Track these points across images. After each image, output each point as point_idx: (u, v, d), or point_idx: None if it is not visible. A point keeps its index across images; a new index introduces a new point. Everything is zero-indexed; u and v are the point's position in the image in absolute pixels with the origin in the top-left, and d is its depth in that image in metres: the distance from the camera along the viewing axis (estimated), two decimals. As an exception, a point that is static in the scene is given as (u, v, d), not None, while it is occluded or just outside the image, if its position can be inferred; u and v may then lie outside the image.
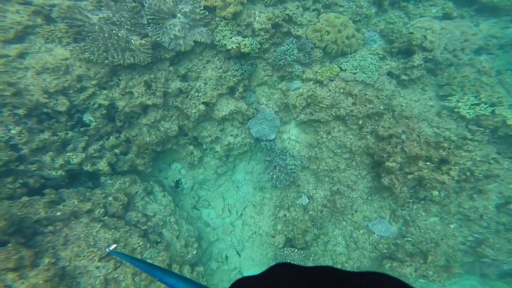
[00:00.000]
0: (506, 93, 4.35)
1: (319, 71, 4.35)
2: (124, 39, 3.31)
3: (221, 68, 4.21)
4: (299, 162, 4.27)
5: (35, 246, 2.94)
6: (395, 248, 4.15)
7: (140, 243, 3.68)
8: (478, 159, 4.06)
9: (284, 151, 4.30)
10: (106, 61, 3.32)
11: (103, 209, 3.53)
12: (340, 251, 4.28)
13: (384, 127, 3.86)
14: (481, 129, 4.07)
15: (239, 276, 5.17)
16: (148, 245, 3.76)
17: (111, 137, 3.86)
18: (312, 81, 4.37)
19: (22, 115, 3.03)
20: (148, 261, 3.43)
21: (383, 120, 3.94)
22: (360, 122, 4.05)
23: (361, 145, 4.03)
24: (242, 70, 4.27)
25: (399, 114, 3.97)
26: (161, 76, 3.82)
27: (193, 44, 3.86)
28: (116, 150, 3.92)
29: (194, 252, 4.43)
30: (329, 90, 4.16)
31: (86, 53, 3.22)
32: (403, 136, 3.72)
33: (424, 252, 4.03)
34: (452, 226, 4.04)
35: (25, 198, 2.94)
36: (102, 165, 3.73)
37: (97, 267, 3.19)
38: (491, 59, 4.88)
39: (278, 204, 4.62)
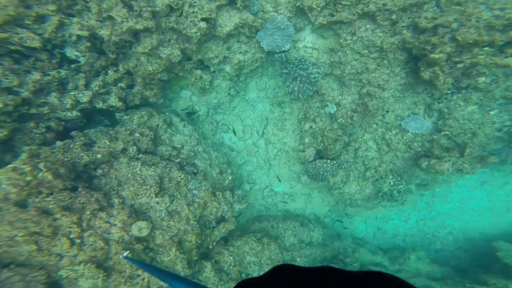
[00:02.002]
0: None
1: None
2: None
3: (213, -30, 3.46)
4: (322, 69, 4.06)
5: (96, 189, 3.38)
6: (430, 145, 4.32)
7: (182, 176, 4.11)
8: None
9: (303, 60, 4.03)
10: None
11: (135, 147, 3.78)
12: (372, 156, 4.58)
13: (427, 18, 3.43)
14: None
15: (271, 194, 5.97)
16: (189, 177, 4.21)
17: (109, 71, 3.72)
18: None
19: None
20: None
21: (424, 11, 3.45)
22: (394, 17, 3.58)
23: (395, 41, 3.73)
24: (240, -32, 3.49)
25: (447, 1, 3.41)
26: (140, -9, 3.25)
27: None
28: (121, 84, 3.87)
29: (229, 178, 4.96)
30: (354, -17, 3.47)
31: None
32: (454, 25, 3.34)
33: (460, 144, 4.18)
34: (492, 112, 4.04)
35: (59, 143, 3.16)
36: (114, 100, 3.78)
37: (157, 202, 3.74)
38: None
39: (302, 117, 4.72)
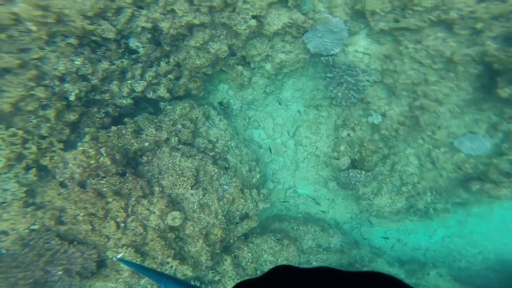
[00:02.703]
0: None
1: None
2: None
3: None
4: (374, 77, 3.94)
5: (140, 175, 3.54)
6: (486, 168, 4.03)
7: (216, 171, 4.19)
8: None
9: (352, 66, 3.92)
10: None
11: (176, 138, 3.90)
12: (411, 172, 4.40)
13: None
14: None
15: (294, 195, 5.99)
16: (221, 172, 4.29)
17: (161, 62, 3.83)
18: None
19: (76, 45, 3.06)
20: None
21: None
22: (479, 25, 3.23)
23: (471, 53, 3.44)
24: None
25: None
26: (203, -15, 3.30)
27: None
28: (170, 76, 3.98)
29: (257, 177, 5.00)
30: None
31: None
32: None
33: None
34: None
35: (114, 128, 3.35)
36: (162, 91, 3.89)
37: (192, 194, 3.85)
38: None
39: (340, 123, 4.64)
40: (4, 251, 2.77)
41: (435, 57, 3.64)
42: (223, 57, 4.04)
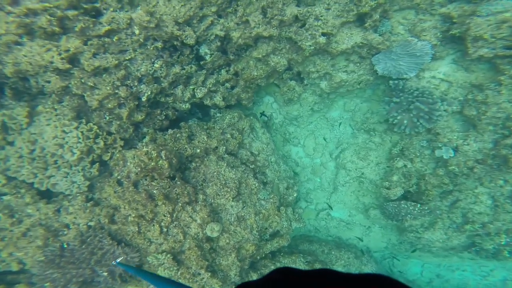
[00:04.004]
0: None
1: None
2: None
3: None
4: (455, 107, 3.40)
5: (186, 181, 3.38)
6: None
7: (256, 185, 3.95)
8: None
9: (427, 92, 3.43)
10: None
11: (224, 147, 3.73)
12: (480, 211, 3.78)
13: None
14: None
15: (326, 218, 5.53)
16: (261, 186, 4.03)
17: (222, 70, 3.73)
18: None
19: (160, 48, 3.07)
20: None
21: None
22: None
23: None
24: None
25: None
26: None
27: None
28: (227, 84, 3.86)
29: (294, 195, 4.67)
30: None
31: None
32: None
33: None
34: None
35: (170, 131, 3.26)
36: (218, 99, 3.77)
37: (232, 206, 3.62)
38: None
39: (397, 152, 4.13)
40: (66, 245, 2.73)
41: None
42: (280, 70, 3.85)
